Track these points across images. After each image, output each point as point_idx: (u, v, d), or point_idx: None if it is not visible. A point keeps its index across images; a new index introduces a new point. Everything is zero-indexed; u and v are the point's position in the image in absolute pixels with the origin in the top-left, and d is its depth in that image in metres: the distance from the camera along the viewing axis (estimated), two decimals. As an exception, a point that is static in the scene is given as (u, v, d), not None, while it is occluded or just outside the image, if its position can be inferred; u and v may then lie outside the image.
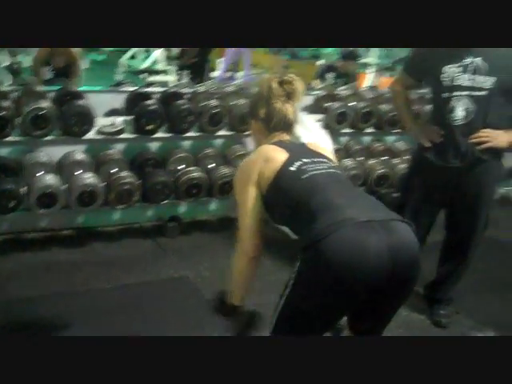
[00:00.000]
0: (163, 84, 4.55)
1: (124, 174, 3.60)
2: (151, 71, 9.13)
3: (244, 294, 2.15)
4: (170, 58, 8.65)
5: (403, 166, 4.34)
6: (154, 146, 4.06)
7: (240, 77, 8.99)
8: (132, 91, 3.97)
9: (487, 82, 2.71)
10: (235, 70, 8.97)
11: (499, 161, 2.97)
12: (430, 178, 2.96)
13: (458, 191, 2.94)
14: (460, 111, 2.78)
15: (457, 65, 2.73)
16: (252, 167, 2.00)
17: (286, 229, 3.84)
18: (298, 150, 2.05)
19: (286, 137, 2.12)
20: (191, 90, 4.11)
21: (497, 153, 2.88)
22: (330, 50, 11.55)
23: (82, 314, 2.97)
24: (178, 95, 3.96)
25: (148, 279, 3.40)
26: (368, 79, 7.91)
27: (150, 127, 3.73)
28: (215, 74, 8.47)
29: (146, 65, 9.63)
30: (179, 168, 3.83)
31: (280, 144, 2.05)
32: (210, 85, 4.41)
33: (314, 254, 1.78)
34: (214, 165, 4.00)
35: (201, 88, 4.16)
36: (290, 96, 2.07)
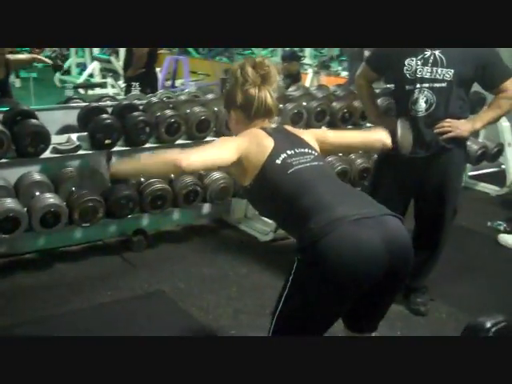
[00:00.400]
0: (113, 97, 4.44)
1: (85, 191, 3.51)
2: (88, 85, 9.00)
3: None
4: (108, 71, 8.54)
5: (361, 160, 4.41)
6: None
7: (180, 84, 8.97)
8: (84, 106, 3.88)
9: (447, 74, 2.80)
10: (174, 78, 8.93)
11: (463, 149, 3.07)
12: (398, 168, 3.02)
13: (425, 180, 3.02)
14: (422, 103, 2.86)
15: (418, 57, 2.82)
16: (242, 141, 2.00)
17: (255, 232, 3.88)
18: (282, 139, 2.04)
19: (267, 123, 2.11)
20: (145, 101, 4.05)
21: (460, 142, 2.98)
22: (265, 51, 11.68)
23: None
24: (132, 107, 3.89)
25: (124, 296, 3.32)
26: (308, 79, 8.03)
27: (107, 142, 3.65)
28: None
29: (81, 79, 9.48)
30: (142, 180, 3.77)
31: (266, 131, 2.04)
32: (162, 94, 4.36)
33: (313, 255, 1.79)
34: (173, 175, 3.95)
35: (154, 98, 4.10)
36: (265, 79, 2.04)
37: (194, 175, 3.94)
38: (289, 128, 2.17)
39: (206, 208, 4.47)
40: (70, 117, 3.83)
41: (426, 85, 2.83)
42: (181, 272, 3.63)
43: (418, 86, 2.85)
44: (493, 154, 5.09)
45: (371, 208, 1.88)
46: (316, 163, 2.00)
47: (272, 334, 1.93)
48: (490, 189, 5.37)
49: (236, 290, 3.41)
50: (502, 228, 4.36)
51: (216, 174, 3.96)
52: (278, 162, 1.95)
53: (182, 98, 4.20)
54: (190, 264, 3.76)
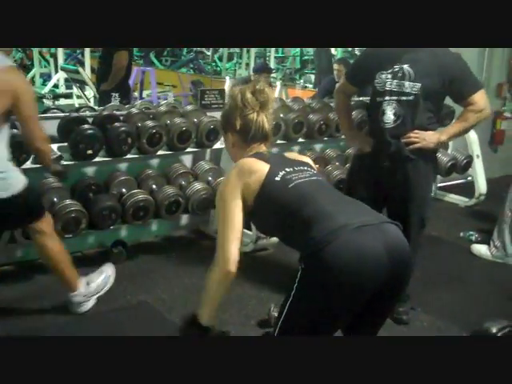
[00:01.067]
0: (91, 108, 4.41)
1: (68, 201, 3.49)
2: (54, 96, 8.86)
3: (215, 312, 2.06)
4: (74, 81, 8.45)
5: (337, 172, 4.48)
6: (89, 170, 3.96)
7: (146, 95, 8.94)
8: (64, 117, 3.85)
9: (414, 87, 2.90)
10: (142, 89, 8.89)
11: (430, 161, 3.15)
12: (367, 177, 3.13)
13: (390, 190, 3.12)
14: (391, 115, 2.96)
15: (388, 71, 2.93)
16: (236, 181, 2.01)
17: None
18: (278, 161, 2.10)
19: (263, 148, 2.15)
20: (124, 112, 4.05)
21: (427, 153, 3.06)
22: (228, 64, 11.73)
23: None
24: (113, 118, 3.89)
25: (107, 308, 3.30)
26: (276, 91, 8.11)
27: (89, 152, 3.63)
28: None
29: (46, 89, 9.34)
30: (123, 191, 3.76)
31: (260, 156, 2.08)
32: (141, 105, 4.36)
33: (317, 263, 1.83)
34: (154, 186, 3.95)
35: (133, 109, 4.10)
36: (263, 105, 2.10)
37: (175, 185, 3.95)
38: (288, 154, 2.23)
39: (185, 219, 4.48)
40: (50, 127, 3.80)
41: (394, 97, 2.94)
42: (162, 283, 3.62)
43: (387, 98, 2.95)
44: (462, 166, 5.23)
45: (371, 216, 1.94)
46: (315, 178, 2.06)
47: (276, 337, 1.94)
48: (459, 200, 5.51)
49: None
50: (473, 238, 4.49)
51: (197, 185, 3.97)
52: (278, 178, 1.99)
53: (162, 108, 4.20)
54: (171, 275, 3.75)
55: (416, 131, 2.97)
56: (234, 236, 1.96)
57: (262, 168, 2.01)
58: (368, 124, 3.23)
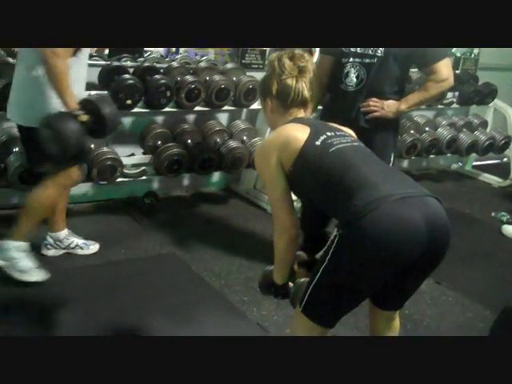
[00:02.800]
0: (132, 58, 4.39)
1: (105, 149, 3.53)
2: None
3: (289, 271, 2.12)
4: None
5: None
6: (127, 120, 4.00)
7: (184, 50, 8.90)
8: (106, 65, 3.87)
9: (378, 50, 2.83)
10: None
11: (391, 130, 3.05)
12: None
13: None
14: (353, 77, 2.91)
15: None
16: (274, 146, 2.00)
17: (263, 203, 3.80)
18: (319, 125, 2.08)
19: (302, 113, 2.13)
20: (165, 65, 4.05)
21: (385, 122, 2.96)
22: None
23: (81, 290, 2.93)
24: (153, 70, 3.89)
25: (135, 256, 3.36)
26: (315, 57, 8.03)
27: (129, 102, 3.65)
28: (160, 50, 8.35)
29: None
30: (159, 143, 3.79)
31: (300, 120, 2.06)
32: (181, 59, 4.35)
33: (356, 231, 1.82)
34: (189, 141, 3.97)
35: (174, 63, 4.10)
36: (301, 71, 2.08)
37: (210, 142, 3.97)
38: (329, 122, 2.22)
39: (216, 176, 4.51)
40: (91, 75, 3.82)
41: (358, 59, 2.87)
42: (192, 237, 3.66)
43: (351, 59, 2.88)
44: (500, 146, 5.15)
45: (413, 188, 1.92)
46: (357, 144, 2.04)
47: (304, 303, 1.95)
48: (493, 180, 5.45)
49: (246, 259, 3.45)
50: (505, 219, 4.44)
51: (232, 144, 3.98)
52: (318, 143, 1.96)
53: (202, 64, 4.19)
54: (200, 230, 3.80)
55: (374, 99, 2.90)
56: (285, 204, 1.99)
57: (302, 133, 1.98)
58: (330, 86, 3.03)
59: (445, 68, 2.87)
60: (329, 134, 2.01)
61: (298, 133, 1.99)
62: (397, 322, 2.19)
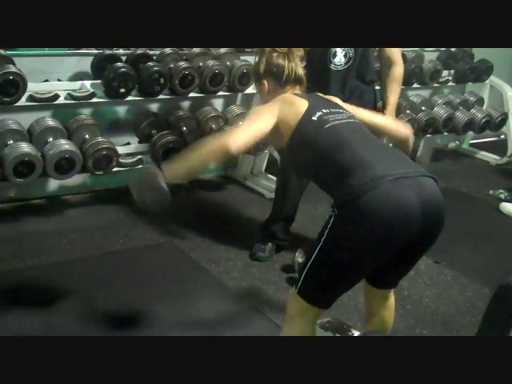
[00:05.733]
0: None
1: (100, 139, 3.51)
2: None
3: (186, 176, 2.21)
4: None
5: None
6: (121, 109, 3.98)
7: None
8: (98, 54, 3.83)
9: None
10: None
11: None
12: None
13: None
14: (341, 57, 2.95)
15: None
16: (275, 106, 2.05)
17: (261, 189, 3.82)
18: (316, 100, 2.12)
19: (298, 90, 2.20)
20: (157, 52, 4.02)
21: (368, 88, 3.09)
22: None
23: (80, 281, 2.94)
24: (146, 57, 3.86)
25: (134, 245, 3.36)
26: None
27: (122, 90, 3.63)
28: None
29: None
30: (152, 132, 3.77)
31: (298, 95, 2.12)
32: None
33: (352, 211, 1.83)
34: (185, 128, 3.95)
35: (167, 49, 4.06)
36: (290, 49, 2.16)
37: (206, 129, 3.95)
38: (321, 95, 2.22)
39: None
40: (83, 64, 3.80)
41: None
42: (188, 224, 3.66)
43: None
44: (497, 123, 5.13)
45: (410, 168, 1.93)
46: (352, 120, 2.05)
47: (301, 283, 1.96)
48: (491, 157, 5.44)
49: (245, 245, 3.45)
50: (503, 197, 4.43)
51: (228, 129, 3.96)
52: (314, 118, 2.00)
53: (195, 50, 4.15)
54: (198, 217, 3.80)
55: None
56: (253, 131, 2.00)
57: (302, 104, 2.04)
58: (313, 65, 3.00)
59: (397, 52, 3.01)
60: (325, 110, 2.04)
61: (299, 101, 2.05)
62: (392, 300, 2.22)
